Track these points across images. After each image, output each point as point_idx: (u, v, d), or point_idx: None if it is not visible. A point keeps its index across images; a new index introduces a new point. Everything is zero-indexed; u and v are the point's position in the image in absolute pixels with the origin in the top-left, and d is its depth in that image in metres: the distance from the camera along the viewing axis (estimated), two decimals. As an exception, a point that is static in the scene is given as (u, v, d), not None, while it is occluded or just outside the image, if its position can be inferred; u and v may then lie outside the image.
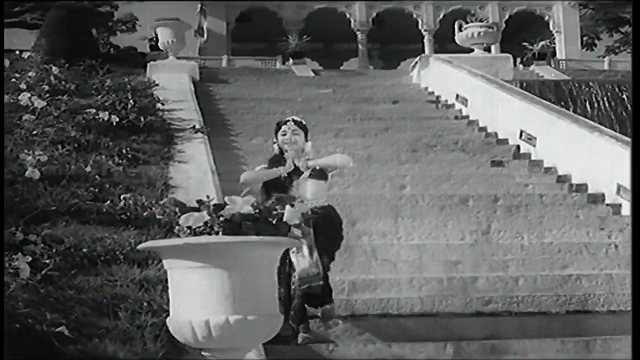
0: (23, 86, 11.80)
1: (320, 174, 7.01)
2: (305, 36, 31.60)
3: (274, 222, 4.52)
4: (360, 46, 35.45)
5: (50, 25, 20.20)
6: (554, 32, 35.47)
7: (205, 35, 35.36)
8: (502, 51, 34.59)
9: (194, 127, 12.82)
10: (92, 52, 19.26)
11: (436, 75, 18.07)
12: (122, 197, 9.11)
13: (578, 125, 12.47)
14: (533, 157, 13.27)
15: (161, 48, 18.88)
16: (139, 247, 4.64)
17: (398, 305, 8.02)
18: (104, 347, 5.79)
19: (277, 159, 7.12)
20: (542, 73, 26.38)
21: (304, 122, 7.29)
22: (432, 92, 17.80)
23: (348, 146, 13.73)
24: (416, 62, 19.18)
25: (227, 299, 4.37)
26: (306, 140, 7.18)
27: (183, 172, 10.91)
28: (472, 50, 19.52)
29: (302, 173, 6.94)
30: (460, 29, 19.20)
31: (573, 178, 12.10)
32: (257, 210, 4.47)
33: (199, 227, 4.44)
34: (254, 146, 13.55)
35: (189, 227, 4.47)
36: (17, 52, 14.49)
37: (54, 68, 12.88)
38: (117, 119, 11.59)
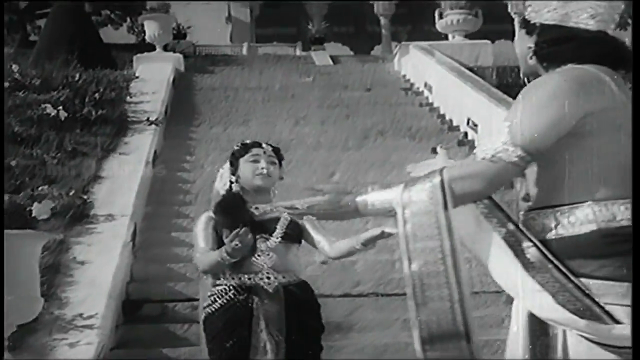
0: (-21, 84, 12.67)
1: (298, 234, 4.89)
2: (324, 22, 32.21)
3: (27, 216, 5.22)
4: (383, 31, 35.80)
5: (52, 18, 21.07)
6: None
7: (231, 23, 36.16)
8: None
9: (148, 118, 13.55)
10: (93, 44, 20.10)
11: (413, 63, 18.56)
12: (39, 188, 9.94)
13: (510, 112, 12.91)
14: (476, 144, 13.75)
15: (147, 40, 19.59)
16: None
17: (271, 287, 8.66)
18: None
19: (234, 203, 4.81)
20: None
21: (280, 150, 5.07)
22: (408, 80, 18.30)
23: (303, 134, 14.39)
24: (397, 50, 19.69)
25: (-19, 284, 5.08)
26: (280, 177, 4.98)
27: (118, 163, 11.66)
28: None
29: (273, 229, 4.78)
30: (440, 17, 19.60)
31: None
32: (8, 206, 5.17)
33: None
34: (210, 134, 14.23)
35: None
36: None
37: (13, 66, 13.70)
38: (66, 114, 12.34)
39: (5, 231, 5.09)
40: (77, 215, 9.53)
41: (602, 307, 2.71)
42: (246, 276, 4.66)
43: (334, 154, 13.14)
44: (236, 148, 4.96)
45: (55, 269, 8.26)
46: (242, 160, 4.87)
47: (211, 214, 4.79)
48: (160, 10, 39.94)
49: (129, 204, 10.07)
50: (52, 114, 12.20)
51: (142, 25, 33.50)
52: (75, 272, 8.26)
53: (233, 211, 4.72)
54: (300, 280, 4.83)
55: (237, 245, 4.37)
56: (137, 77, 16.81)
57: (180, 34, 29.85)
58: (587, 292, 2.73)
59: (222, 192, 4.92)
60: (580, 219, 2.79)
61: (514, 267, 2.85)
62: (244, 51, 31.53)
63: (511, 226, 2.94)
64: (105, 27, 40.10)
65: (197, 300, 8.01)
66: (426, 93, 16.96)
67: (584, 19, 2.91)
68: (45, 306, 7.26)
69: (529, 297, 2.82)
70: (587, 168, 2.82)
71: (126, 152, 12.15)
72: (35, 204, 5.20)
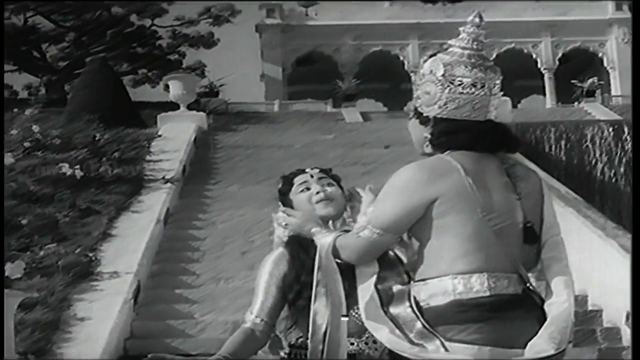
0: (-4, 144, 13.02)
1: None
2: (354, 79, 32.53)
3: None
4: (414, 87, 36.06)
5: (82, 79, 21.53)
6: (608, 68, 35.55)
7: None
8: (556, 90, 34.93)
9: (163, 177, 13.79)
10: (120, 104, 20.38)
11: (432, 119, 18.68)
12: (46, 247, 10.22)
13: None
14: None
15: (171, 99, 19.88)
16: None
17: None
18: None
19: (300, 241, 3.63)
20: (591, 110, 26.44)
21: (332, 170, 3.95)
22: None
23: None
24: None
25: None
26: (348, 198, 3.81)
27: (130, 222, 11.88)
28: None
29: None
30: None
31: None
32: None
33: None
34: (226, 193, 14.42)
35: None
36: (15, 110, 15.76)
37: (34, 126, 14.04)
38: (82, 173, 12.62)
39: (-22, 290, 5.29)
40: (82, 273, 9.77)
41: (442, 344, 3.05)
42: (349, 340, 3.46)
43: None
44: (279, 186, 3.88)
45: (55, 326, 8.46)
46: (292, 196, 3.78)
47: (284, 250, 3.68)
48: (197, 69, 40.63)
49: (134, 261, 10.27)
50: (68, 173, 12.47)
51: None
52: (73, 329, 8.45)
53: (301, 244, 3.63)
54: None
55: None
56: (159, 136, 17.10)
57: (212, 92, 30.19)
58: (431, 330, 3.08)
59: (285, 239, 3.76)
60: (442, 291, 3.09)
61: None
62: (276, 108, 31.86)
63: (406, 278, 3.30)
64: (143, 86, 40.86)
65: (192, 356, 8.21)
66: (444, 150, 17.07)
67: (468, 111, 3.21)
68: (37, 363, 7.51)
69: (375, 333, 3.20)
70: (446, 245, 3.11)
71: (139, 210, 12.37)
72: (8, 263, 5.35)
